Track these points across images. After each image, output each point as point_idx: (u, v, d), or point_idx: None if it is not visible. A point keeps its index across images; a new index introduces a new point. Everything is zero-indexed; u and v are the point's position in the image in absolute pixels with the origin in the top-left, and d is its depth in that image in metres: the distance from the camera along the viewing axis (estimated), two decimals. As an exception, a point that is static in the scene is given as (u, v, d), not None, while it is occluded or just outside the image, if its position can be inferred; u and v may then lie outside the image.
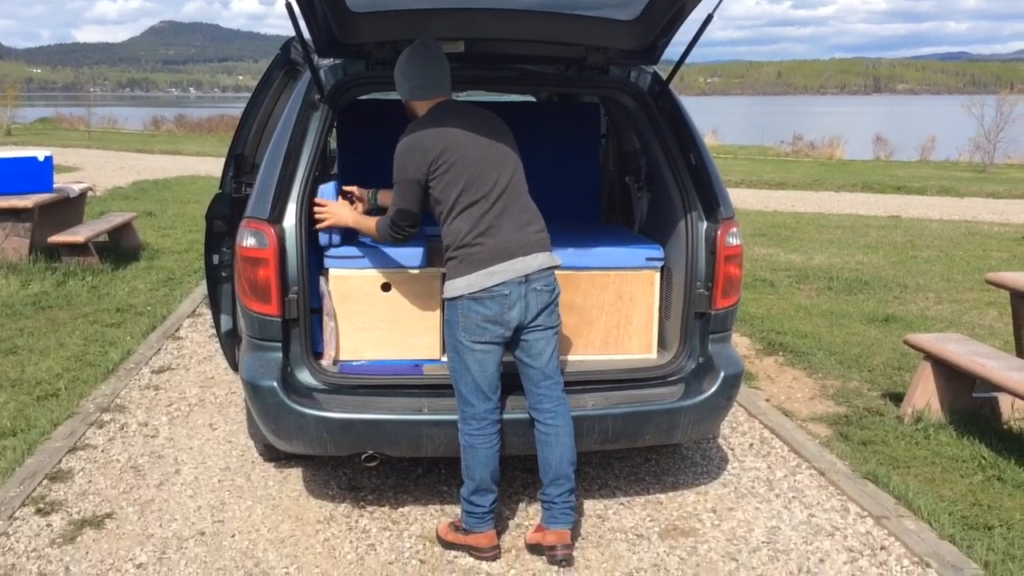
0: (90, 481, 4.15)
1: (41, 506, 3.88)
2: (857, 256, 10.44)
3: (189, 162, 22.69)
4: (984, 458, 4.45)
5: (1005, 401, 4.92)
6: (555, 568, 3.42)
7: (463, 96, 4.75)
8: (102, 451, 4.48)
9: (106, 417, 4.92)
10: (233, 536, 3.66)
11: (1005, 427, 4.85)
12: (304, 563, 3.46)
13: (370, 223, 3.54)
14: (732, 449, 4.62)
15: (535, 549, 3.49)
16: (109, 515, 3.82)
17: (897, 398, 5.31)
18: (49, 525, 3.73)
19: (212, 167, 21.11)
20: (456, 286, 3.30)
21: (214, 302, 4.34)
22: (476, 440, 3.39)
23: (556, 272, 3.47)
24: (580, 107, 5.13)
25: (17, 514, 3.81)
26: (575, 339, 3.98)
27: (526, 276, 3.29)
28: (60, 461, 4.33)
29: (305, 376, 3.59)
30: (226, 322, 4.35)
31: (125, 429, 4.77)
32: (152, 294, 7.81)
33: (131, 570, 3.40)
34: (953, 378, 4.86)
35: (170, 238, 10.88)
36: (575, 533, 3.64)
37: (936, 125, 38.50)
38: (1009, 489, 4.15)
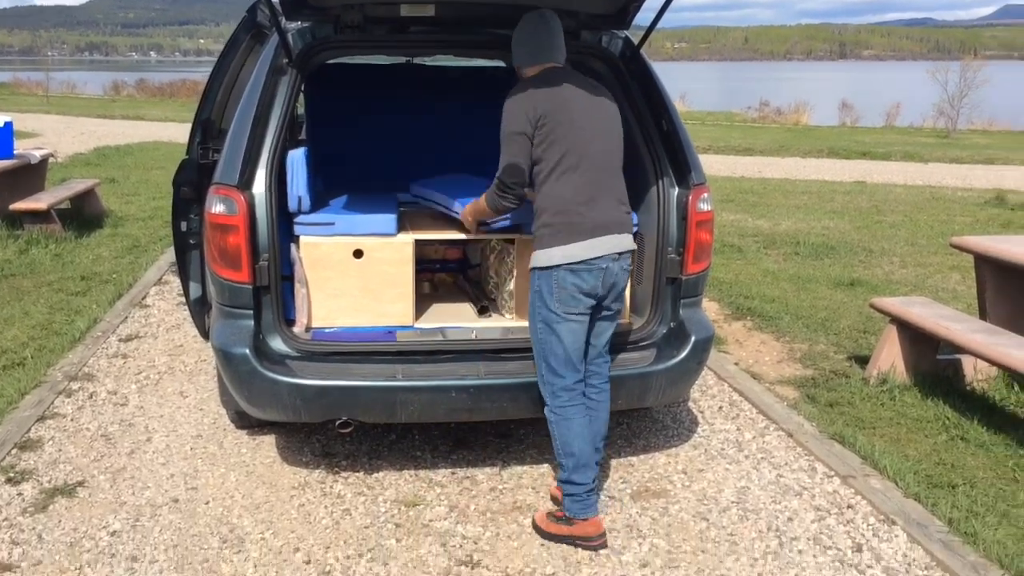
0: (60, 450, 4.12)
1: (11, 475, 3.85)
2: (823, 221, 10.53)
3: (151, 128, 22.33)
4: (948, 418, 4.54)
5: (968, 363, 5.01)
6: (529, 531, 3.46)
7: (433, 61, 4.72)
8: (71, 420, 4.45)
9: (74, 386, 4.87)
10: (207, 503, 3.66)
11: (968, 388, 4.95)
12: (279, 528, 3.47)
13: (479, 203, 3.46)
14: (702, 412, 4.68)
15: (556, 501, 3.55)
16: (81, 483, 3.80)
17: (863, 360, 5.40)
18: (20, 494, 3.71)
19: (175, 132, 20.80)
20: (553, 255, 3.21)
21: (183, 269, 4.30)
22: (569, 411, 3.34)
23: (526, 238, 3.46)
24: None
25: (-13, 483, 3.78)
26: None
27: (619, 253, 3.26)
28: (29, 430, 4.29)
29: (277, 343, 3.58)
30: (195, 289, 4.32)
31: (94, 398, 4.74)
32: (117, 262, 7.72)
33: (105, 537, 3.39)
34: (918, 341, 4.95)
35: (134, 205, 10.73)
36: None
37: (901, 91, 38.77)
38: (972, 448, 4.24)
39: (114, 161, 15.25)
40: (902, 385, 4.94)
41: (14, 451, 4.08)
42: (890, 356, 4.99)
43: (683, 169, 3.79)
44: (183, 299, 6.49)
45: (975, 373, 5.02)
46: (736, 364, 5.41)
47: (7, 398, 4.60)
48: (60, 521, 3.51)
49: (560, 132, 3.21)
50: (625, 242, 3.28)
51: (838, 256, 8.53)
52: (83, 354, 5.35)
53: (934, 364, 5.03)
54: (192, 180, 4.11)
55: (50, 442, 4.19)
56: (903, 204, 12.07)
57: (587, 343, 3.40)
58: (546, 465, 4.03)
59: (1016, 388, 4.88)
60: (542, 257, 3.25)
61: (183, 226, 4.18)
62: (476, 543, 3.39)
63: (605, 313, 3.38)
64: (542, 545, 3.38)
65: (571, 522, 3.35)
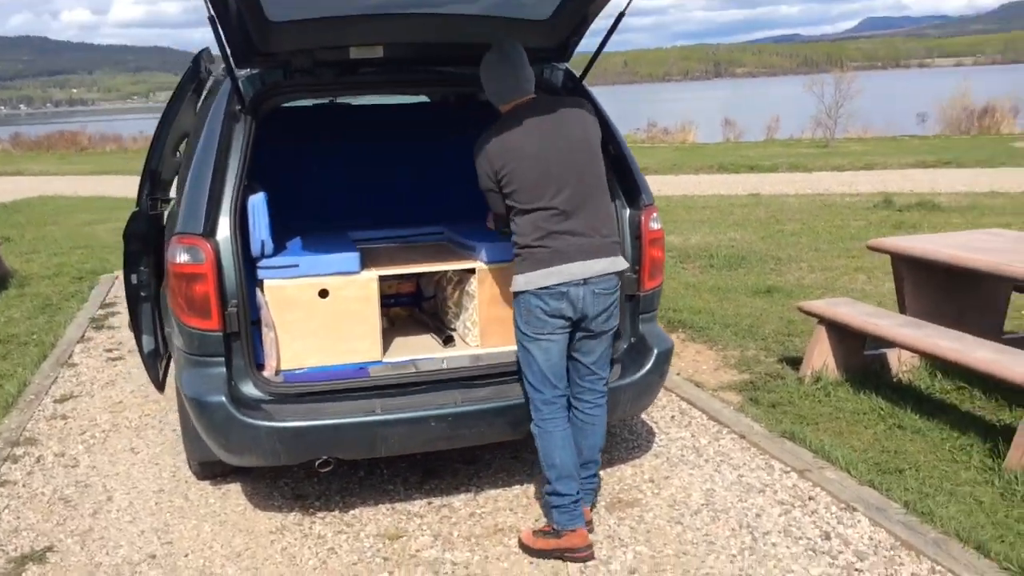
0: (18, 517, 4.00)
1: (-27, 548, 3.73)
2: (729, 233, 10.94)
3: (33, 183, 21.62)
4: (882, 409, 4.82)
5: (892, 356, 5.32)
6: (516, 551, 3.54)
7: (385, 99, 4.80)
8: (23, 486, 4.33)
9: (18, 451, 4.73)
10: (187, 555, 3.62)
11: (895, 379, 5.25)
12: (266, 574, 3.46)
13: None
14: (656, 422, 4.84)
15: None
16: (49, 548, 3.71)
17: (792, 362, 5.67)
18: (-14, 565, 3.60)
19: (59, 186, 20.24)
20: (518, 282, 3.39)
21: (135, 322, 4.24)
22: (549, 424, 3.46)
23: (498, 266, 3.57)
24: (487, 105, 5.23)
25: (-51, 558, 3.65)
26: (512, 329, 4.09)
27: (585, 279, 3.35)
28: (-19, 500, 4.16)
29: (249, 388, 3.58)
30: (148, 342, 4.27)
31: (42, 461, 4.61)
32: (32, 322, 7.48)
33: (88, 600, 3.33)
34: (845, 338, 5.23)
35: (35, 263, 10.41)
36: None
37: (777, 105, 40.33)
38: (909, 435, 4.52)
39: (3, 220, 14.73)
40: (835, 381, 5.21)
41: (-30, 523, 3.95)
42: (821, 355, 5.26)
43: (633, 191, 3.96)
44: (110, 355, 6.41)
45: (900, 365, 5.33)
46: (678, 374, 5.60)
47: (-51, 470, 4.44)
48: (36, 588, 3.42)
49: (519, 179, 3.35)
50: (595, 267, 3.38)
51: (750, 266, 8.89)
52: (19, 419, 5.20)
53: (862, 359, 5.32)
54: (142, 232, 4.08)
55: (6, 511, 4.07)
56: (798, 213, 12.60)
57: (577, 361, 3.53)
58: (518, 487, 4.12)
59: (939, 376, 5.20)
60: (514, 283, 3.43)
61: (133, 278, 4.14)
62: (467, 568, 3.45)
63: (587, 333, 3.48)
64: (531, 563, 3.47)
65: (559, 535, 3.45)
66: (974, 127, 26.62)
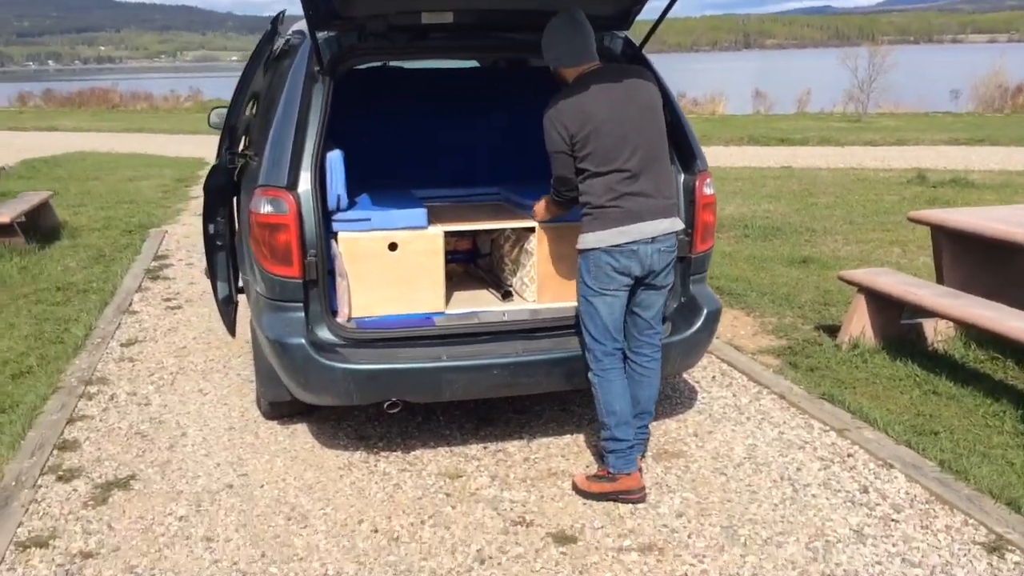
0: (100, 448, 4.27)
1: (61, 474, 4.00)
2: (763, 205, 11.06)
3: (70, 138, 21.88)
4: (918, 376, 5.00)
5: (929, 326, 5.49)
6: (569, 493, 3.77)
7: (453, 63, 4.99)
8: (100, 420, 4.59)
9: (92, 389, 5.00)
10: (262, 486, 3.88)
11: (931, 348, 5.43)
12: (338, 504, 3.71)
13: (548, 202, 3.94)
14: (698, 382, 5.05)
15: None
16: (132, 477, 3.98)
17: (829, 329, 5.85)
18: (75, 490, 3.87)
19: (95, 142, 20.52)
20: (588, 240, 3.58)
21: (212, 269, 4.48)
22: (610, 374, 3.69)
23: (556, 226, 3.77)
24: (545, 71, 5.40)
25: (40, 482, 3.92)
26: (572, 287, 4.30)
27: (653, 237, 3.57)
28: (63, 432, 4.43)
29: (324, 333, 3.81)
30: (222, 288, 4.50)
31: (115, 399, 4.88)
32: (88, 272, 7.75)
33: (174, 523, 3.59)
34: (884, 308, 5.40)
35: (83, 216, 10.68)
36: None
37: (808, 78, 40.05)
38: (944, 401, 4.70)
39: (45, 173, 15.02)
40: (872, 349, 5.38)
41: (55, 452, 4.22)
42: (860, 323, 5.43)
43: (688, 157, 4.14)
44: (168, 304, 6.68)
45: (935, 335, 5.50)
46: (718, 338, 5.79)
47: (28, 404, 4.70)
48: (124, 511, 3.69)
49: (592, 143, 3.55)
50: (659, 227, 3.59)
51: (785, 237, 9.03)
52: (89, 360, 5.47)
53: (899, 328, 5.49)
54: (220, 185, 4.29)
55: (87, 442, 4.34)
56: (832, 186, 12.68)
57: (637, 316, 3.74)
58: (568, 436, 4.34)
59: (973, 347, 5.37)
60: (582, 240, 3.61)
61: (211, 228, 4.36)
62: (524, 505, 3.69)
63: (649, 288, 3.70)
64: (584, 504, 3.70)
65: (614, 478, 3.68)
66: (1007, 105, 26.40)
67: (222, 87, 47.24)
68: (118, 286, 7.24)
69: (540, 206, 4.03)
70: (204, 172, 14.99)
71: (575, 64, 3.63)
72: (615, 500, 3.68)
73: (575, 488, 3.79)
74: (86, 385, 5.05)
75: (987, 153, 16.25)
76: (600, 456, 3.91)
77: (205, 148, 18.77)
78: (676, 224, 3.68)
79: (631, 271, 3.58)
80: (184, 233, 9.66)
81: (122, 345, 5.78)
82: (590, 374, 3.73)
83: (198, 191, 12.82)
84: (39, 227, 9.39)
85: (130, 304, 6.74)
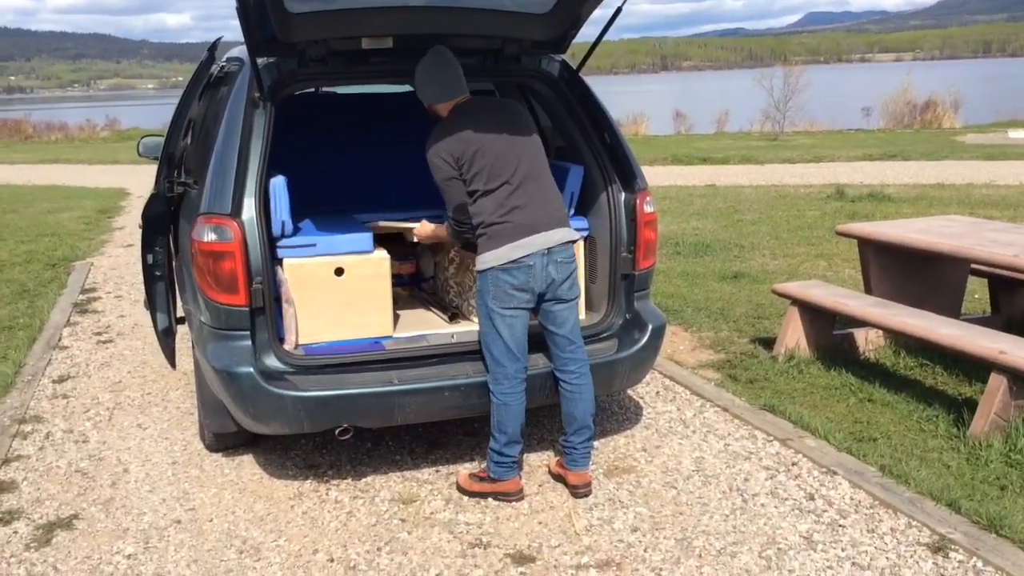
0: (39, 488, 4.14)
1: (0, 516, 3.87)
2: (692, 222, 11.28)
3: (-20, 172, 21.23)
4: (853, 384, 5.15)
5: (860, 335, 5.66)
6: (524, 512, 3.79)
7: (391, 89, 5.00)
8: (37, 460, 4.46)
9: (26, 428, 4.85)
10: (211, 520, 3.80)
11: (863, 357, 5.59)
12: (291, 535, 3.66)
13: (442, 231, 3.97)
14: (642, 398, 5.12)
15: (558, 478, 4.03)
16: (75, 516, 3.86)
17: (764, 342, 5.98)
18: (16, 532, 3.74)
19: (9, 174, 19.99)
20: (486, 259, 3.65)
21: (151, 301, 4.39)
22: (509, 398, 3.75)
23: None
24: (477, 95, 5.45)
25: (-23, 526, 3.79)
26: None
27: (548, 249, 3.65)
28: (-2, 474, 4.29)
29: (272, 360, 3.77)
30: (162, 320, 4.42)
31: (51, 437, 4.74)
32: (13, 307, 7.52)
33: (123, 561, 3.50)
34: (816, 319, 5.55)
35: (3, 251, 10.35)
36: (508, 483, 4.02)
37: (725, 98, 41.08)
38: (879, 408, 4.85)
39: (-44, 208, 14.54)
40: (807, 359, 5.53)
41: (-9, 494, 4.08)
42: (794, 334, 5.57)
43: (628, 176, 4.22)
44: (100, 338, 6.52)
45: (867, 344, 5.67)
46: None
47: (-42, 446, 4.54)
48: (70, 552, 3.58)
49: (477, 162, 3.68)
50: (555, 237, 3.70)
51: (715, 253, 9.22)
52: (21, 398, 5.30)
53: (832, 339, 5.65)
54: (159, 214, 4.22)
55: (25, 482, 4.20)
56: (755, 203, 12.99)
57: (554, 334, 3.82)
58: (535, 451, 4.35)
59: (903, 354, 5.55)
60: (480, 261, 3.71)
61: (150, 258, 4.28)
62: (480, 527, 3.69)
63: (559, 305, 3.79)
64: (540, 523, 3.71)
65: (495, 482, 3.87)
66: (916, 121, 27.44)
67: (139, 115, 46.45)
68: (45, 321, 7.04)
69: (427, 228, 4.10)
70: (125, 202, 14.77)
71: (449, 98, 3.78)
72: (495, 499, 3.87)
73: (458, 487, 3.97)
74: (19, 424, 4.89)
75: (900, 168, 16.83)
76: (556, 473, 3.97)
77: (125, 178, 18.40)
78: (571, 234, 3.80)
79: (531, 287, 3.68)
80: (111, 265, 9.44)
81: (54, 382, 5.62)
82: (490, 393, 3.80)
83: (121, 222, 12.63)
84: (-44, 263, 9.10)
85: (59, 339, 6.56)
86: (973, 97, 31.36)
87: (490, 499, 3.87)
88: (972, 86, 38.88)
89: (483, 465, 4.02)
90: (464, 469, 4.12)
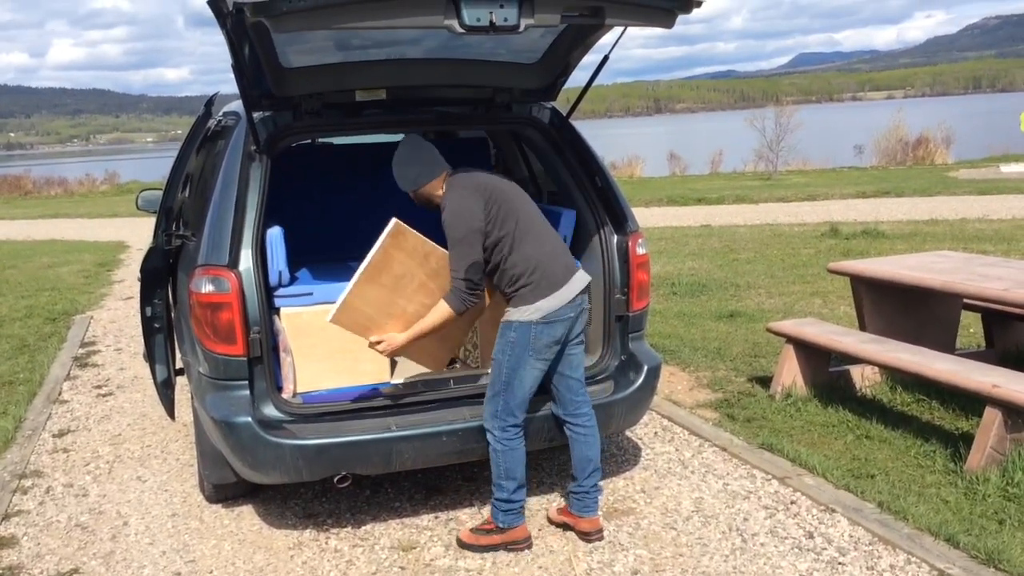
0: (39, 543, 4.14)
1: (0, 572, 3.86)
2: (687, 263, 11.34)
3: (-21, 228, 21.32)
4: (850, 421, 5.17)
5: (856, 372, 5.69)
6: (525, 556, 3.79)
7: (383, 138, 5.08)
8: (37, 515, 4.46)
9: (27, 483, 4.85)
10: (211, 572, 3.80)
11: (859, 394, 5.62)
12: (292, 585, 3.66)
13: (433, 317, 3.71)
14: (640, 439, 5.13)
15: (564, 527, 4.00)
16: (75, 571, 3.87)
17: (761, 380, 6.01)
18: (16, 589, 3.74)
19: (9, 230, 20.04)
20: (535, 308, 3.64)
21: (150, 353, 4.43)
22: (515, 443, 3.77)
23: (499, 293, 3.86)
24: (470, 142, 5.54)
25: (-23, 583, 3.79)
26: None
27: (574, 297, 3.70)
28: (-2, 529, 4.29)
29: (271, 409, 3.80)
30: (161, 372, 4.45)
31: (51, 492, 4.74)
32: (13, 363, 7.55)
33: (123, 616, 3.50)
34: (812, 356, 5.58)
35: (3, 306, 10.39)
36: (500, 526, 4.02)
37: (718, 139, 41.40)
38: (877, 444, 4.86)
39: (-45, 264, 14.60)
40: (804, 397, 5.55)
41: (-9, 550, 4.08)
42: (790, 372, 5.60)
43: (620, 219, 4.28)
44: (99, 391, 6.54)
45: (863, 380, 5.70)
46: (656, 394, 5.90)
47: (-41, 502, 4.55)
48: (70, 607, 3.58)
49: (504, 216, 3.69)
50: (577, 286, 3.76)
51: (711, 292, 9.27)
52: (21, 452, 5.31)
53: (828, 376, 5.67)
54: (157, 267, 4.28)
55: (25, 537, 4.21)
56: (750, 242, 13.07)
57: (568, 378, 3.84)
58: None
59: (899, 390, 5.57)
60: (523, 312, 3.66)
61: (148, 311, 4.32)
62: (480, 573, 3.69)
63: (572, 349, 3.83)
64: (540, 568, 3.72)
65: (504, 531, 3.84)
66: (909, 158, 27.65)
67: (139, 169, 46.76)
68: (45, 375, 7.06)
69: (423, 324, 3.75)
70: (124, 255, 14.84)
71: (438, 174, 3.80)
72: (505, 550, 3.82)
73: (461, 544, 3.89)
74: (20, 479, 4.90)
75: (893, 204, 16.95)
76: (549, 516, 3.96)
77: (124, 231, 18.51)
78: (586, 277, 3.85)
79: (564, 338, 3.74)
80: (110, 318, 9.47)
81: (54, 436, 5.63)
82: (494, 441, 3.77)
83: (121, 275, 12.69)
84: (-44, 319, 9.13)
85: (60, 393, 6.58)
86: (964, 133, 31.61)
87: (496, 550, 3.83)
88: (963, 122, 39.20)
89: (484, 517, 4.00)
90: (464, 525, 4.09)
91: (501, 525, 3.83)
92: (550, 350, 3.72)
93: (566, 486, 4.12)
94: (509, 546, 3.83)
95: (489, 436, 3.79)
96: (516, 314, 3.69)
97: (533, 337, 3.66)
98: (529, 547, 3.84)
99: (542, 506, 4.27)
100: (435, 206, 3.79)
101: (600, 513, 4.00)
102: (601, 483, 4.04)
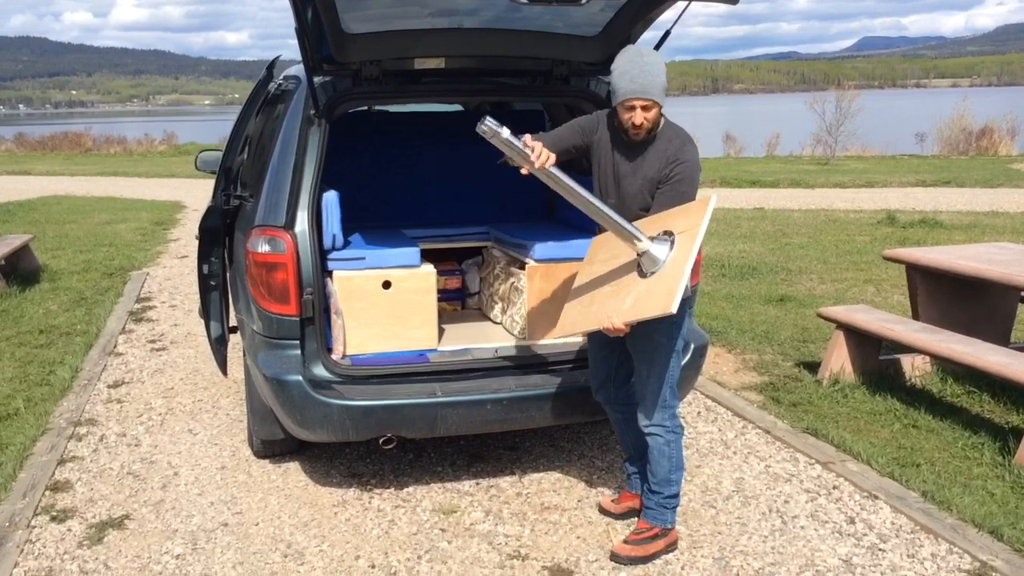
0: (92, 489, 4.28)
1: (54, 514, 4.00)
2: (738, 245, 11.25)
3: (43, 182, 21.77)
4: (898, 410, 5.11)
5: (906, 361, 5.62)
6: (564, 525, 3.83)
7: (442, 107, 5.11)
8: (91, 461, 4.60)
9: (81, 430, 5.00)
10: (257, 524, 3.90)
11: (909, 383, 5.55)
12: (334, 541, 3.74)
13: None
14: (684, 418, 5.12)
15: (630, 513, 3.87)
16: (126, 516, 3.99)
17: (809, 366, 5.96)
18: (70, 530, 3.87)
19: (70, 186, 20.42)
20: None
21: (205, 309, 4.52)
22: (679, 430, 3.62)
23: (545, 264, 3.86)
24: (525, 114, 5.55)
25: (34, 523, 3.92)
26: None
27: None
28: (54, 473, 4.43)
29: (320, 370, 3.86)
30: (215, 328, 4.54)
31: (105, 440, 4.88)
32: (71, 315, 7.74)
33: (171, 561, 3.60)
34: (862, 343, 5.53)
35: (62, 259, 10.65)
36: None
37: (776, 122, 40.77)
38: (924, 434, 4.81)
39: (21, 217, 14.96)
40: (852, 384, 5.50)
41: (47, 493, 4.22)
42: (839, 359, 5.55)
43: (673, 197, 4.25)
44: (153, 345, 6.69)
45: (913, 370, 5.63)
46: (701, 375, 5.89)
47: (18, 446, 4.70)
48: (120, 550, 3.70)
49: None
50: None
51: (762, 276, 9.19)
52: (76, 402, 5.47)
53: (877, 364, 5.61)
54: (216, 226, 4.36)
55: (79, 482, 4.34)
56: (804, 227, 12.91)
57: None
58: (558, 471, 4.40)
59: (950, 381, 5.50)
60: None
61: (205, 268, 4.41)
62: (519, 540, 3.74)
63: None
64: (578, 538, 3.75)
65: (666, 533, 3.63)
66: (972, 148, 27.01)
67: (196, 131, 47.37)
68: (102, 328, 7.24)
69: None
70: (181, 215, 15.09)
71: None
72: (664, 555, 3.61)
73: (618, 558, 3.56)
74: (75, 427, 5.05)
75: (953, 195, 16.60)
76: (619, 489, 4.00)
77: (181, 191, 18.81)
78: None
79: None
80: (165, 275, 9.67)
81: (109, 387, 5.78)
82: (663, 431, 3.57)
83: (176, 233, 12.92)
84: (19, 270, 9.36)
85: (115, 346, 6.74)
86: (1031, 124, 30.77)
87: (664, 554, 3.61)
88: (1030, 113, 38.18)
89: (637, 523, 3.75)
90: (615, 543, 3.69)
91: (667, 527, 3.63)
92: None
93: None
94: (670, 549, 3.63)
95: (654, 433, 3.57)
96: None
97: (689, 315, 3.60)
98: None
99: (582, 477, 4.30)
100: (631, 131, 3.44)
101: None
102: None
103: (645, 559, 3.56)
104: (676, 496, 3.65)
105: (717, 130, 35.03)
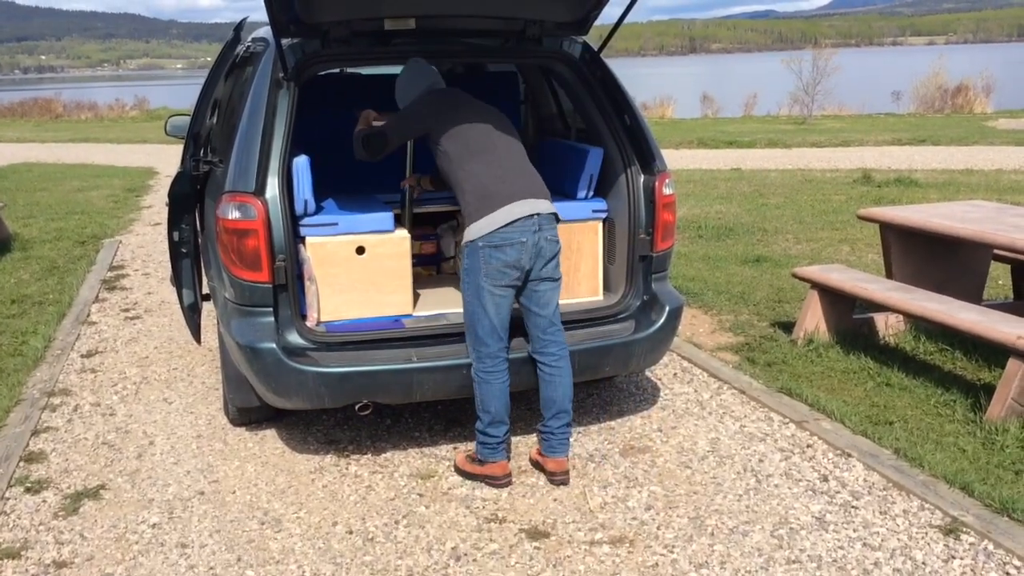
0: (67, 459, 4.25)
1: (29, 485, 3.97)
2: (715, 206, 11.25)
3: (13, 149, 21.43)
4: (871, 369, 5.16)
5: (880, 320, 5.66)
6: (541, 487, 3.85)
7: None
8: (66, 431, 4.57)
9: (55, 401, 4.96)
10: (234, 492, 3.89)
11: (882, 342, 5.60)
12: (311, 507, 3.74)
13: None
14: (660, 379, 5.16)
15: (537, 465, 3.99)
16: (102, 487, 3.97)
17: (784, 326, 5.99)
18: (44, 501, 3.85)
19: (40, 153, 20.13)
20: (470, 232, 3.64)
21: (177, 277, 4.48)
22: (491, 376, 3.75)
23: None
24: (500, 76, 5.49)
25: (8, 494, 3.90)
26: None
27: (539, 225, 3.65)
28: (28, 444, 4.40)
29: (295, 337, 3.85)
30: (187, 296, 4.51)
31: (79, 410, 4.85)
32: (43, 284, 7.66)
33: (147, 530, 3.59)
34: (836, 303, 5.56)
35: (34, 227, 10.51)
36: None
37: (753, 81, 40.69)
38: (897, 392, 4.86)
39: (-10, 185, 14.75)
40: (826, 343, 5.54)
41: (21, 464, 4.19)
42: (814, 318, 5.58)
43: (647, 158, 4.24)
44: (127, 314, 6.63)
45: (886, 328, 5.67)
46: (677, 336, 5.91)
47: (-9, 417, 4.66)
48: (96, 520, 3.68)
49: (461, 123, 3.79)
50: (541, 205, 3.71)
51: (738, 237, 9.21)
52: (50, 372, 5.42)
53: (851, 323, 5.65)
54: (185, 192, 4.30)
55: (53, 453, 4.32)
56: (780, 187, 12.93)
57: (536, 314, 3.81)
58: (533, 436, 4.39)
59: (923, 339, 5.55)
60: (470, 231, 3.66)
61: (175, 235, 4.37)
62: (496, 503, 3.75)
63: (542, 284, 3.78)
64: (555, 500, 3.77)
65: (483, 463, 3.87)
66: (948, 106, 27.09)
67: (168, 95, 46.75)
68: (74, 297, 7.17)
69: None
70: (153, 181, 14.92)
71: (423, 87, 4.03)
72: (483, 482, 3.87)
73: (455, 467, 4.00)
74: (49, 397, 5.01)
75: (929, 153, 16.67)
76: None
77: (154, 157, 18.58)
78: (543, 207, 3.72)
79: (521, 264, 3.66)
80: (138, 243, 9.57)
81: (83, 356, 5.74)
82: (472, 371, 3.80)
83: (149, 200, 12.78)
84: (-12, 239, 9.25)
85: (88, 315, 6.68)
86: (1006, 82, 30.82)
87: (475, 480, 3.90)
88: (1005, 70, 38.33)
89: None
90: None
91: (479, 457, 3.88)
92: (505, 276, 3.66)
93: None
94: (487, 480, 3.86)
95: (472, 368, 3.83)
96: (467, 233, 3.69)
97: (483, 261, 3.64)
98: (507, 484, 3.85)
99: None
100: None
101: (568, 456, 3.95)
102: (571, 428, 3.98)
103: (462, 473, 3.95)
104: (480, 432, 3.86)
105: (694, 91, 34.92)
